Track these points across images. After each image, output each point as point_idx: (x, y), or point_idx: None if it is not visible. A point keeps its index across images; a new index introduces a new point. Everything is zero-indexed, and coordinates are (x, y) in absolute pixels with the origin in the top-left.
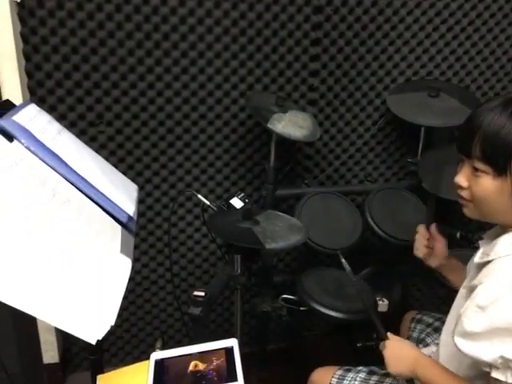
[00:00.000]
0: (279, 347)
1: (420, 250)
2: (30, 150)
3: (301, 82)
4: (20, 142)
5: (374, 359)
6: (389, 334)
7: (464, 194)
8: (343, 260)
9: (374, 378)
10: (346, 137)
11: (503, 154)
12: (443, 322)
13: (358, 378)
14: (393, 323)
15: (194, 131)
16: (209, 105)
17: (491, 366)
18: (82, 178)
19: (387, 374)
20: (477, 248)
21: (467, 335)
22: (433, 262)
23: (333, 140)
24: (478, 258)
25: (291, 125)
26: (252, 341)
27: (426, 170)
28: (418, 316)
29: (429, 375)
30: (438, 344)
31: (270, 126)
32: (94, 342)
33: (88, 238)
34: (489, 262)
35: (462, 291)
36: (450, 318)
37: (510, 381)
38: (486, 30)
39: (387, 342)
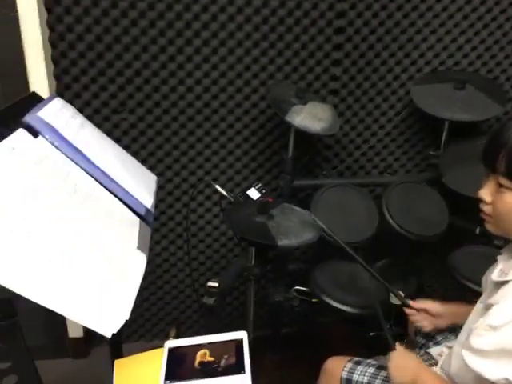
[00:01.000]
0: (293, 331)
1: (425, 324)
2: (53, 145)
3: (323, 71)
4: (44, 137)
5: (385, 349)
6: (397, 344)
7: (486, 208)
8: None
9: (383, 373)
10: (368, 127)
11: None
12: None
13: (367, 373)
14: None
15: (214, 119)
16: (229, 93)
17: None
18: (103, 172)
19: None
20: (496, 246)
21: (475, 351)
22: (442, 324)
23: (353, 130)
24: (496, 275)
25: (310, 117)
26: (266, 325)
27: (448, 165)
28: None
29: None
30: (447, 346)
31: (288, 118)
32: (109, 336)
33: (106, 234)
34: (507, 281)
35: (478, 306)
36: (464, 331)
37: None
38: None
39: (392, 353)
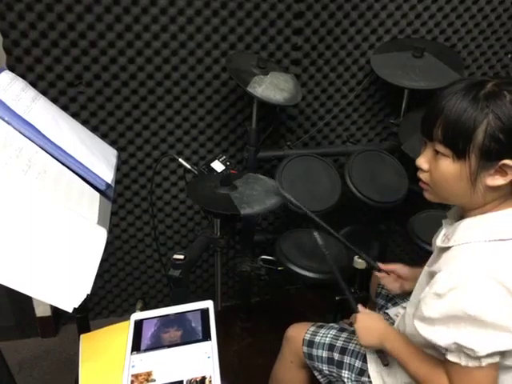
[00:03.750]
0: (263, 300)
1: (393, 287)
2: (4, 120)
3: (284, 40)
4: None
5: (351, 312)
6: (360, 306)
7: (423, 176)
8: (317, 236)
9: (344, 334)
10: (330, 97)
11: (463, 138)
12: None
13: (329, 335)
14: (369, 279)
15: (175, 92)
16: (190, 64)
17: (447, 349)
18: (59, 148)
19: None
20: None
21: (425, 319)
22: (409, 286)
23: (316, 100)
24: (439, 241)
25: (272, 88)
26: (236, 295)
27: (406, 133)
28: None
29: (395, 348)
30: (403, 307)
31: (249, 89)
32: (70, 310)
33: (64, 210)
34: (449, 247)
35: (425, 269)
36: (415, 293)
37: (463, 363)
38: None
39: (358, 315)
